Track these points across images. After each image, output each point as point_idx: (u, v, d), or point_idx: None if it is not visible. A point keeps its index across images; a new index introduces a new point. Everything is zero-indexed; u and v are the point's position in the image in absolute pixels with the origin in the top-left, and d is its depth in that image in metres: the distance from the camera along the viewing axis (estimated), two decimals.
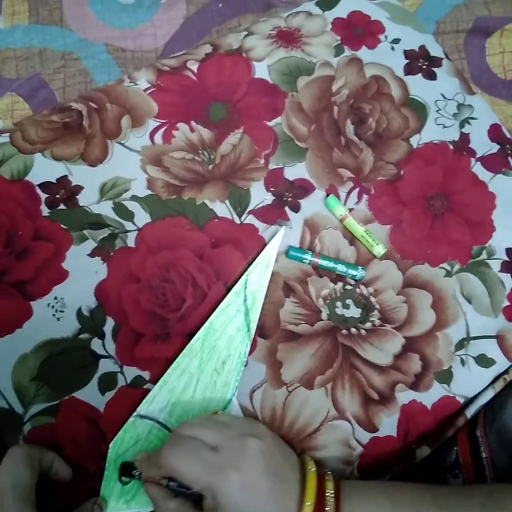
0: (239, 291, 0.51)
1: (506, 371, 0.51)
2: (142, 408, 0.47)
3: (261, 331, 0.50)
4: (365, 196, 0.56)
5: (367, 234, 0.53)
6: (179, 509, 0.40)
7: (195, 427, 0.41)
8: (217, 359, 0.49)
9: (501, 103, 0.64)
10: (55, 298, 0.49)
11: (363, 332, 0.51)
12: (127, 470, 0.44)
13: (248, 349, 0.49)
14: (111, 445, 0.45)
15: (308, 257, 0.52)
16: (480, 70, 0.65)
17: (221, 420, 0.43)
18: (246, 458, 0.39)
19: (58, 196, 0.52)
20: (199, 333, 0.49)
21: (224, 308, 0.50)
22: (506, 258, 0.55)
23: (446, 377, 0.51)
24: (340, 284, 0.53)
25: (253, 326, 0.50)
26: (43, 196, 0.51)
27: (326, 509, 0.38)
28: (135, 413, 0.46)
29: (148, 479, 0.42)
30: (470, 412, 0.50)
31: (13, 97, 0.64)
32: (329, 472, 0.42)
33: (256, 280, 0.51)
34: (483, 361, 0.51)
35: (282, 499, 0.39)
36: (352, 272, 0.52)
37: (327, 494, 0.39)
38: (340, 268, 0.52)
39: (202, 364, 0.48)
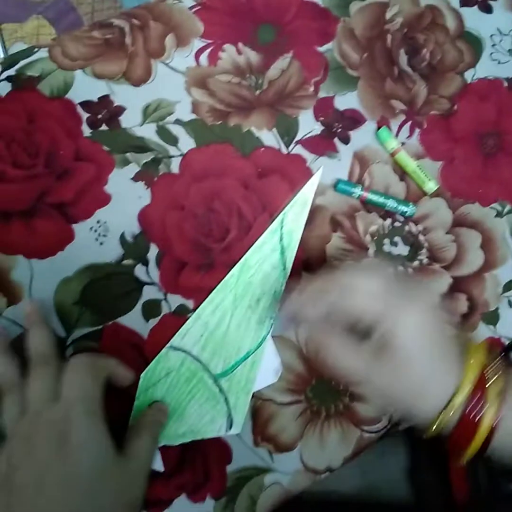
0: (275, 229, 0.49)
1: None
2: (175, 340, 0.46)
3: (307, 265, 0.49)
4: (417, 130, 0.53)
5: (419, 169, 0.51)
6: (346, 343, 0.38)
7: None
8: (251, 296, 0.47)
9: None
10: (98, 222, 0.47)
11: (410, 270, 0.50)
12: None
13: (283, 288, 0.48)
14: (142, 375, 0.44)
15: (358, 191, 0.50)
16: None
17: None
18: (425, 297, 0.38)
19: (100, 116, 0.49)
20: (234, 270, 0.48)
21: (259, 246, 0.48)
22: None
23: (492, 318, 0.50)
24: (388, 220, 0.51)
25: (289, 265, 0.48)
26: (84, 115, 0.49)
27: (493, 379, 0.36)
28: (168, 345, 0.45)
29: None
30: None
31: (39, 20, 0.60)
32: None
33: (292, 219, 0.49)
34: None
35: (449, 348, 0.37)
36: (403, 208, 0.50)
37: (495, 363, 0.37)
38: (390, 203, 0.50)
39: (236, 301, 0.47)
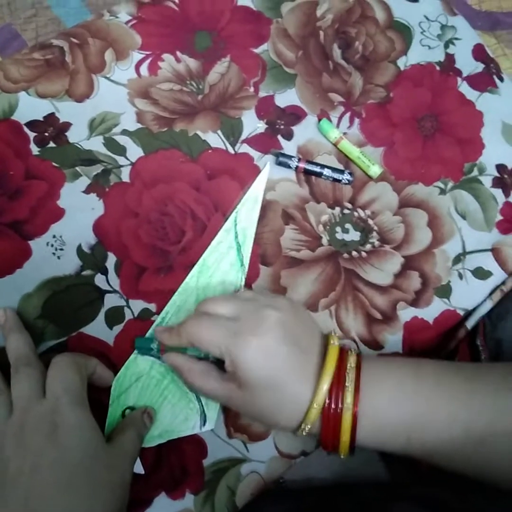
0: (229, 228, 0.50)
1: (503, 283, 0.53)
2: None
3: (263, 259, 0.51)
4: (356, 120, 0.56)
5: (362, 155, 0.53)
6: (204, 371, 0.41)
7: (216, 302, 0.42)
8: (212, 295, 0.49)
9: (477, 34, 0.64)
10: (54, 236, 0.48)
11: (363, 254, 0.52)
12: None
13: (243, 283, 0.49)
14: (112, 383, 0.45)
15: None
16: (456, 3, 0.65)
17: (243, 296, 0.43)
18: (264, 327, 0.39)
19: (46, 134, 0.50)
20: (193, 271, 0.49)
21: (215, 246, 0.50)
22: (497, 174, 0.56)
23: (445, 291, 0.52)
24: (337, 209, 0.53)
25: (246, 261, 0.50)
26: (32, 134, 0.50)
27: (346, 383, 0.38)
28: (135, 351, 0.46)
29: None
30: (470, 323, 0.52)
31: None
32: (353, 349, 0.42)
33: (245, 217, 0.51)
34: (480, 273, 0.53)
35: (300, 368, 0.39)
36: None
37: (348, 367, 0.39)
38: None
39: (198, 301, 0.48)
